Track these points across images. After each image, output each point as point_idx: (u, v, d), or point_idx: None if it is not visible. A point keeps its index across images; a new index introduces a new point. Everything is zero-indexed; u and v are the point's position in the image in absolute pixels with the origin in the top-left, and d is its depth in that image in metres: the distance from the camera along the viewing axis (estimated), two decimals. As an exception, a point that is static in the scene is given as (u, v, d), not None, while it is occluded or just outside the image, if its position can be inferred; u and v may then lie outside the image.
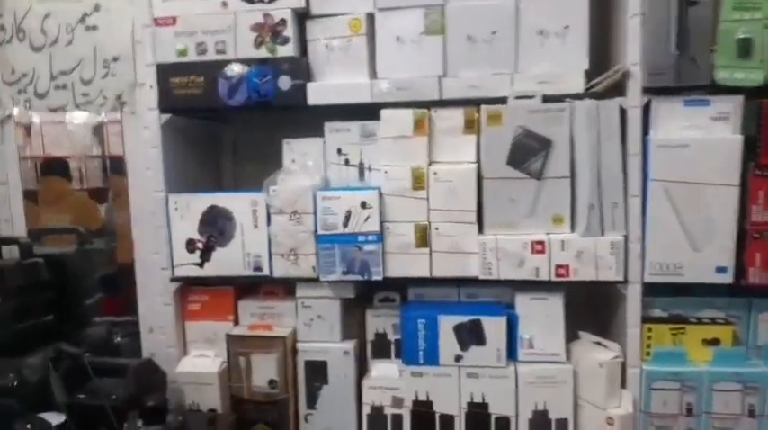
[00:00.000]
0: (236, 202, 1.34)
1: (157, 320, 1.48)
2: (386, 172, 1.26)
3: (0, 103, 1.65)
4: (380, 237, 1.25)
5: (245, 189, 1.40)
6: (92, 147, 4.45)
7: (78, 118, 4.19)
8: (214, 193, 1.37)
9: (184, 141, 1.43)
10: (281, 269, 1.32)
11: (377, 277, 1.26)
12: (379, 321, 1.34)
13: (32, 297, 1.33)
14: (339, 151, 1.32)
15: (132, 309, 1.60)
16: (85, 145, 4.36)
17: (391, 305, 1.35)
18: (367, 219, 1.25)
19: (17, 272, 1.31)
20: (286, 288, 1.38)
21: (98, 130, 4.43)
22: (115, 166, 3.15)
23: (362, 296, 1.35)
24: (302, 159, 1.34)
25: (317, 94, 1.27)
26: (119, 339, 1.60)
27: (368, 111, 1.27)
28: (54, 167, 3.20)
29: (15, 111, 1.67)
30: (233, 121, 1.61)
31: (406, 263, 1.26)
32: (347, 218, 1.26)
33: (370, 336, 1.35)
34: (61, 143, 4.10)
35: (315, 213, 1.28)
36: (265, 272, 1.33)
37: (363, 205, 1.25)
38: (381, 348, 1.35)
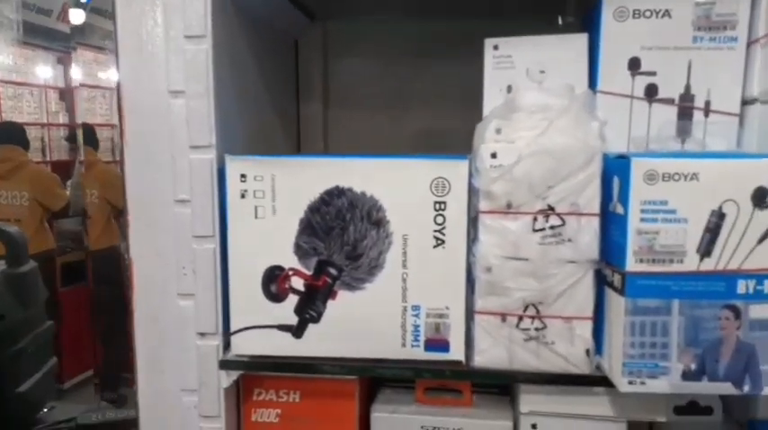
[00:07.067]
0: (394, 182, 0.55)
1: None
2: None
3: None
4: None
5: (400, 154, 0.57)
6: (58, 113, 3.64)
7: (43, 73, 3.40)
8: (336, 158, 0.56)
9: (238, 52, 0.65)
10: (496, 350, 0.54)
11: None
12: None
13: None
14: (634, 64, 0.56)
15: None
16: (50, 111, 3.56)
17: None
18: (765, 238, 0.48)
19: None
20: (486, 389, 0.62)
21: (67, 95, 3.63)
22: (86, 137, 2.53)
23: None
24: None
25: None
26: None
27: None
28: (10, 134, 2.46)
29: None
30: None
31: None
32: (712, 233, 0.48)
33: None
34: (20, 107, 3.34)
35: (612, 215, 0.52)
36: (453, 354, 0.56)
37: (760, 199, 0.48)
38: None
